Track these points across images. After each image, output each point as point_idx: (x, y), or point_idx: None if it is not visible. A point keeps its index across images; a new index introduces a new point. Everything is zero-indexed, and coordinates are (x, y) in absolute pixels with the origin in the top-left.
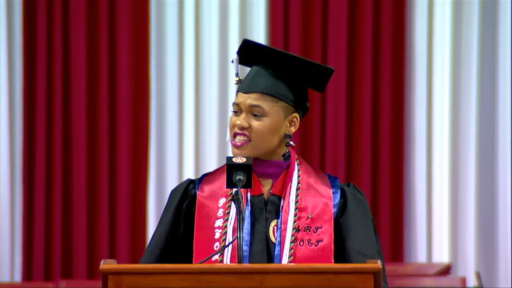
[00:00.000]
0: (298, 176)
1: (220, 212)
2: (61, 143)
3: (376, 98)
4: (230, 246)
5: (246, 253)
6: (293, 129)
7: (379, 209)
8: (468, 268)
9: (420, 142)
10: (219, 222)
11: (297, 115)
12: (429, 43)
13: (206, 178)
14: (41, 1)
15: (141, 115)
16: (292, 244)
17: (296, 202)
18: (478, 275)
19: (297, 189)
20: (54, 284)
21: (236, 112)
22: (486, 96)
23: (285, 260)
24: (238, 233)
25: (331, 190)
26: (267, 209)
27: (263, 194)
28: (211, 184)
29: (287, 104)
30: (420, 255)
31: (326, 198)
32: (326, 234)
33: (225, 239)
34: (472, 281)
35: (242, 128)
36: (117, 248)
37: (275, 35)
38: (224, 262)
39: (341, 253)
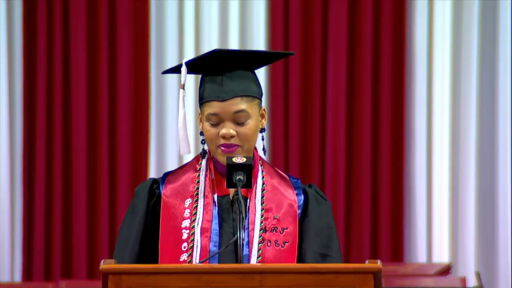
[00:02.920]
0: (263, 177)
1: (187, 213)
2: (61, 143)
3: (376, 98)
4: (199, 246)
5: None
6: (264, 122)
7: (379, 209)
8: (468, 268)
9: (420, 142)
10: (186, 223)
11: (264, 107)
12: (429, 43)
13: (168, 177)
14: (41, 1)
15: (141, 115)
16: (260, 244)
17: (262, 203)
18: (478, 275)
19: (262, 190)
20: (54, 284)
21: (216, 123)
22: (486, 96)
23: (253, 260)
24: (239, 233)
25: (295, 192)
26: (233, 210)
27: (229, 194)
28: (175, 183)
29: (258, 100)
30: (420, 255)
31: (291, 200)
32: (292, 236)
33: (193, 240)
34: (472, 281)
35: (231, 137)
36: None
37: (275, 35)
38: (194, 262)
39: (299, 253)
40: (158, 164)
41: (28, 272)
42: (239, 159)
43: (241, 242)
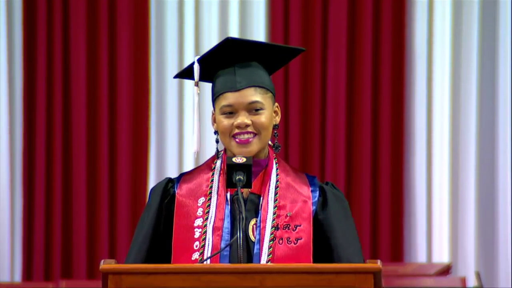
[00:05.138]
0: (277, 175)
1: (200, 212)
2: (61, 143)
3: (376, 98)
4: (210, 245)
5: (226, 252)
6: (278, 119)
7: (379, 209)
8: (468, 268)
9: (420, 142)
10: (198, 222)
11: (277, 103)
12: (429, 43)
13: (184, 177)
14: (41, 1)
15: (141, 115)
16: (271, 242)
17: (275, 201)
18: (478, 275)
19: (276, 187)
20: (54, 284)
21: (230, 114)
22: (486, 96)
23: (264, 258)
24: (238, 233)
25: (310, 189)
26: (246, 208)
27: (242, 193)
28: (190, 183)
29: (271, 94)
30: (420, 255)
31: (305, 196)
32: (305, 232)
33: (204, 239)
34: (472, 281)
35: (246, 126)
36: (117, 248)
37: (275, 34)
38: (205, 262)
39: (323, 251)
40: (158, 164)
41: (28, 272)
42: (239, 159)
43: (240, 242)
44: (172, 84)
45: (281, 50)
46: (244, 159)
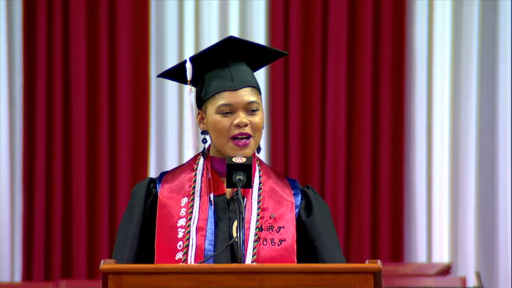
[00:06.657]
0: (260, 177)
1: (183, 212)
2: (61, 143)
3: (376, 98)
4: (194, 245)
5: (210, 253)
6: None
7: (379, 209)
8: (468, 268)
9: (420, 142)
10: (181, 222)
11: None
12: (429, 43)
13: (165, 176)
14: (41, 1)
15: (141, 115)
16: (256, 243)
17: (259, 202)
18: (478, 275)
19: (259, 189)
20: (54, 284)
21: (227, 113)
22: (486, 96)
23: (248, 259)
24: (239, 233)
25: (292, 192)
26: (229, 209)
27: (225, 194)
28: (172, 183)
29: (260, 96)
30: (420, 255)
31: (288, 199)
32: (289, 234)
33: (188, 239)
34: (472, 281)
35: (245, 126)
36: None
37: (275, 35)
38: (188, 262)
39: (306, 253)
40: (158, 164)
41: (28, 272)
42: (239, 159)
43: (240, 242)
44: (172, 83)
45: (267, 52)
46: (244, 159)
